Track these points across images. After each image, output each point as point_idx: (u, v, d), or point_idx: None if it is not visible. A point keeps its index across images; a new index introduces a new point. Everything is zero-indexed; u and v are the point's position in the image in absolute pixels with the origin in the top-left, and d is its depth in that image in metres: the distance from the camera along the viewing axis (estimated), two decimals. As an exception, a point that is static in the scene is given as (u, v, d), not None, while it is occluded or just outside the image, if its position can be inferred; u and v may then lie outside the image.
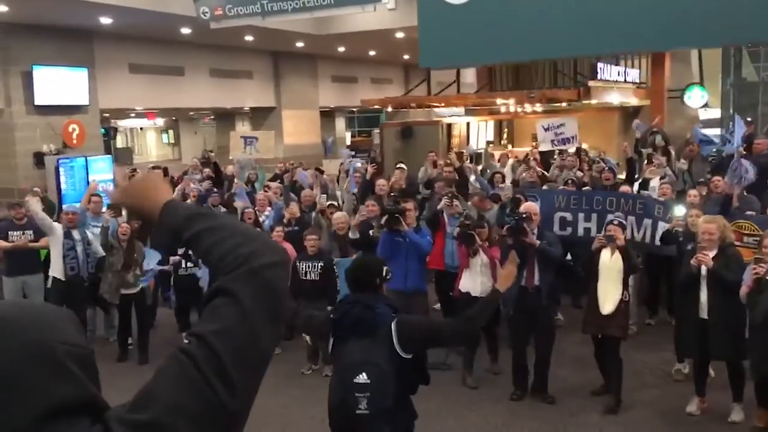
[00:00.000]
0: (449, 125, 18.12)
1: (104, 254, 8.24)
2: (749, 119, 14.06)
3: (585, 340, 6.95)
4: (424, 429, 5.56)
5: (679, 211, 7.57)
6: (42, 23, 14.13)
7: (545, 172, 11.80)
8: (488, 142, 19.15)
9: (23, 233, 8.60)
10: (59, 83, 14.73)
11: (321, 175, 12.85)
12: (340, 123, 31.68)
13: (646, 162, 10.70)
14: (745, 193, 8.21)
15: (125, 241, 8.08)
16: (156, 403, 1.10)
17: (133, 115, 28.82)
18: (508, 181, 11.45)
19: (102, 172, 15.11)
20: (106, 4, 12.93)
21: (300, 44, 19.39)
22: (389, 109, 18.87)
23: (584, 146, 15.23)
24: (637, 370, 7.14)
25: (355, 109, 34.02)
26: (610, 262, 6.28)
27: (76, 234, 8.25)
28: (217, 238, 1.36)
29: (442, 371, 7.06)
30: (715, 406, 6.24)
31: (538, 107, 16.68)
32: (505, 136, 20.53)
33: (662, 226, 7.65)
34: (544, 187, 9.75)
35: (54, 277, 8.13)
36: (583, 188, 9.51)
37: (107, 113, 22.77)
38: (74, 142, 15.36)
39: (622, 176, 11.18)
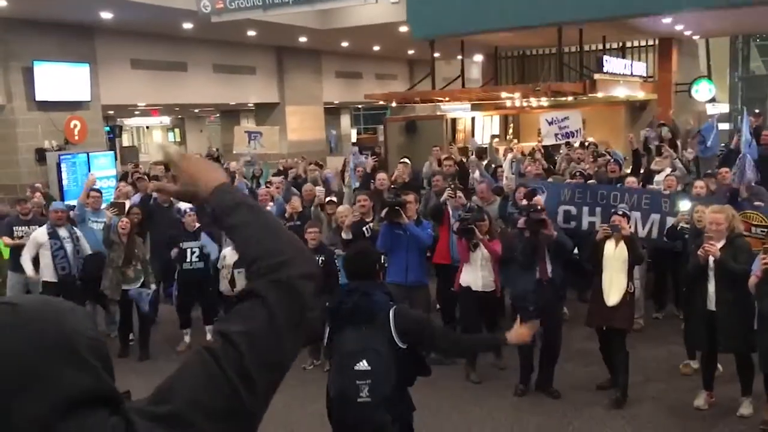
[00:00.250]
0: (454, 120, 18.01)
1: (91, 253, 8.12)
2: (757, 111, 13.89)
3: (590, 334, 6.84)
4: (427, 424, 5.49)
5: (684, 205, 7.46)
6: (42, 18, 14.05)
7: (551, 166, 11.69)
8: (493, 137, 19.03)
9: (29, 228, 8.53)
10: (60, 79, 14.63)
11: (321, 170, 12.78)
12: (345, 120, 31.53)
13: (655, 153, 10.61)
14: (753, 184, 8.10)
15: (125, 236, 8.00)
16: (176, 397, 1.13)
17: (137, 112, 28.75)
18: (505, 178, 11.33)
19: (104, 168, 15.05)
20: (107, -1, 12.87)
21: (303, 39, 19.27)
22: (394, 104, 18.76)
23: (590, 139, 15.12)
24: (643, 364, 7.00)
25: (360, 106, 33.96)
26: (615, 253, 6.18)
27: (62, 232, 8.02)
28: (258, 236, 1.40)
29: (446, 366, 6.93)
30: (723, 400, 6.12)
31: (544, 101, 16.58)
32: (510, 130, 20.43)
33: (671, 221, 7.55)
34: (549, 180, 9.63)
35: (44, 281, 7.90)
36: (588, 181, 9.39)
37: (111, 110, 22.73)
38: (76, 138, 15.29)
39: (629, 170, 11.06)
